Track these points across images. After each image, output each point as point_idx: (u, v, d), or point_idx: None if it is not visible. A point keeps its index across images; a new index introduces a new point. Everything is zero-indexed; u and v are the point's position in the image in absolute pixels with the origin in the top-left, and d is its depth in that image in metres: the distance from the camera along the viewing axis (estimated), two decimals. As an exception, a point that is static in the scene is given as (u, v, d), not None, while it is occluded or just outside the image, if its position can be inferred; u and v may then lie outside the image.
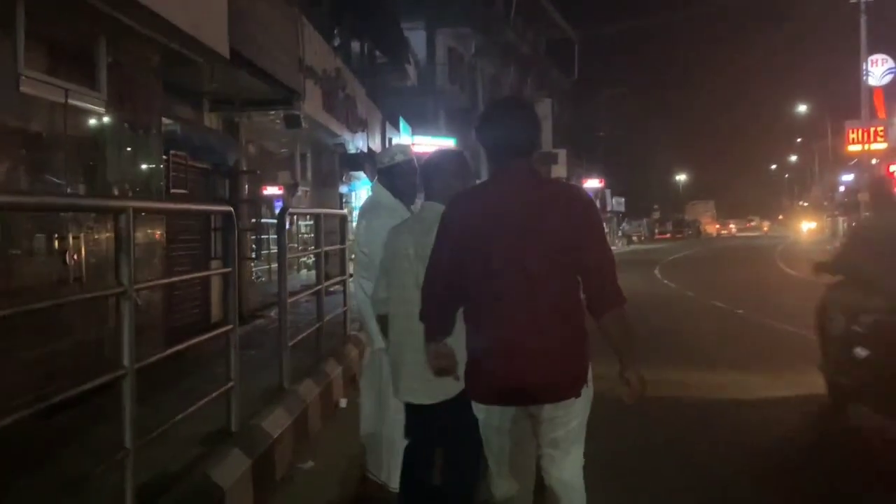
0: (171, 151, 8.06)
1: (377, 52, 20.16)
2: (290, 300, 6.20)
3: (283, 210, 6.04)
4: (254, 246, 13.07)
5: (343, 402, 6.93)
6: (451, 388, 3.29)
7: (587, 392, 3.07)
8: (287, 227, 6.23)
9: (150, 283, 6.10)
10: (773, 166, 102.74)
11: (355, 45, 18.53)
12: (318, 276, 7.35)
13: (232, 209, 4.65)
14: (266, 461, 4.74)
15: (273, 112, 10.25)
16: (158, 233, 7.16)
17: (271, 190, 14.93)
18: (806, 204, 78.37)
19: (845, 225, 45.32)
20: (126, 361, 3.27)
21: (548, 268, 2.94)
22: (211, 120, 9.85)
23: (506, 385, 2.97)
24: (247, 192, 10.51)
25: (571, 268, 2.98)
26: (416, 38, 29.90)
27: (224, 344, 4.85)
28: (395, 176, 4.46)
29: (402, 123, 21.92)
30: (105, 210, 4.12)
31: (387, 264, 3.67)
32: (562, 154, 47.66)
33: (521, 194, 3.01)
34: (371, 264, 4.19)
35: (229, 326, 4.72)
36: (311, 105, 10.78)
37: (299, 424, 5.61)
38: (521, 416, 3.07)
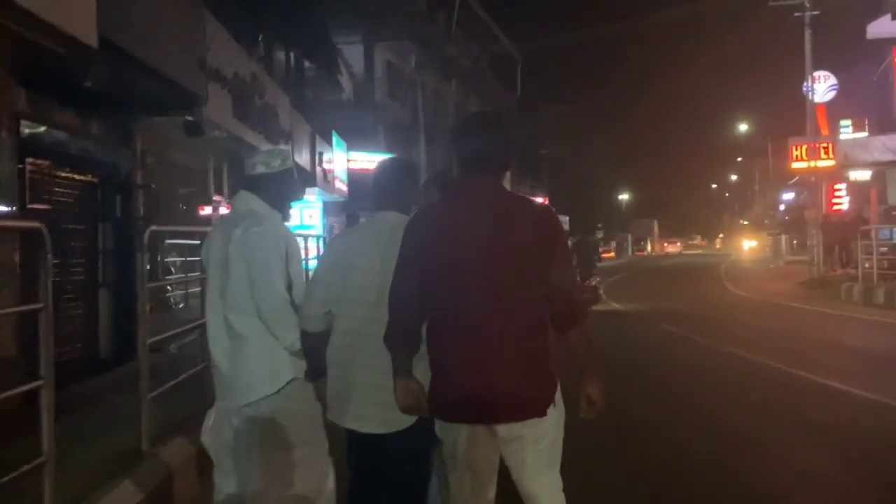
0: (28, 159, 6.82)
1: (307, 63, 19.02)
2: (152, 340, 5.06)
3: (141, 228, 4.89)
4: (172, 269, 11.93)
5: (232, 459, 5.79)
6: (405, 417, 3.11)
7: (556, 412, 3.05)
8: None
9: None
10: (714, 185, 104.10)
11: (282, 55, 17.40)
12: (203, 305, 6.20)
13: (40, 226, 3.48)
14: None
15: (172, 118, 9.05)
16: (11, 256, 5.96)
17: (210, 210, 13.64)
18: (746, 222, 79.25)
19: (790, 243, 45.56)
20: None
21: (515, 284, 2.94)
22: (98, 126, 8.61)
23: (471, 402, 2.93)
24: (142, 209, 9.26)
25: (537, 284, 2.98)
26: (354, 52, 28.96)
27: (121, 381, 3.77)
28: (284, 183, 3.79)
29: (335, 138, 20.79)
30: None
31: (331, 277, 3.34)
32: (505, 171, 47.18)
33: (489, 209, 3.00)
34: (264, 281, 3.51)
35: (39, 382, 3.52)
36: (218, 111, 9.58)
37: (158, 498, 4.46)
38: (487, 437, 3.01)
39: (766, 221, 64.82)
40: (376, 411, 3.21)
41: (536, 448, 3.02)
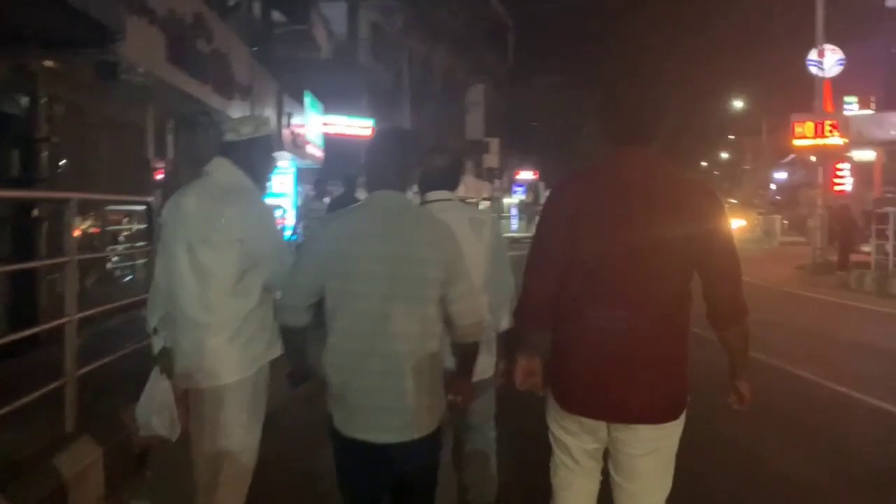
0: None
1: (277, 14, 17.29)
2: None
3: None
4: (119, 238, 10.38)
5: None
6: (427, 424, 2.91)
7: (681, 418, 2.81)
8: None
9: None
10: (705, 163, 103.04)
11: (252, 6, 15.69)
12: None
13: None
14: None
15: (81, 57, 7.38)
16: None
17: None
18: (735, 201, 78.28)
19: (782, 223, 44.31)
20: None
21: (666, 270, 2.70)
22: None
23: (601, 395, 2.73)
24: (46, 167, 7.63)
25: (690, 274, 2.75)
26: (337, 10, 27.36)
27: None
28: (257, 152, 3.61)
29: (308, 98, 19.10)
30: None
31: (325, 266, 2.89)
32: (494, 143, 46.44)
33: (645, 184, 2.73)
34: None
35: None
36: (144, 52, 7.88)
37: None
38: (603, 433, 2.81)
39: (756, 201, 63.77)
40: (394, 419, 2.90)
41: (657, 456, 2.80)
